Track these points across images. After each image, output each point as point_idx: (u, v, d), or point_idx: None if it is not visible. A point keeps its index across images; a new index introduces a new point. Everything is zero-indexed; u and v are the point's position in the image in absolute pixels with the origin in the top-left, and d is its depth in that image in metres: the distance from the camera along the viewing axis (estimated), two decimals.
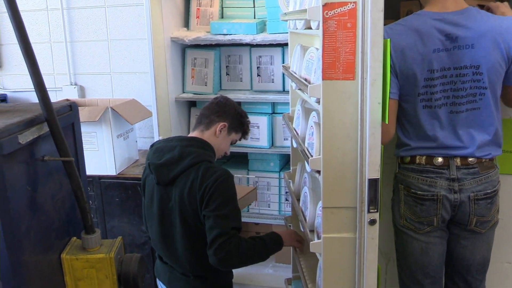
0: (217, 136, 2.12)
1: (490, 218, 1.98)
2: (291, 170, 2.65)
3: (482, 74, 1.85)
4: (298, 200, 2.24)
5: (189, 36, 2.99)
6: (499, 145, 1.98)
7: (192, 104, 3.28)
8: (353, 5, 1.47)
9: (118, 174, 3.04)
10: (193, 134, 2.17)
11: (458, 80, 1.86)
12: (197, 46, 3.11)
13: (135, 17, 3.49)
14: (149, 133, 3.59)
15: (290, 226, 2.66)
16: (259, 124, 2.99)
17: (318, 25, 1.55)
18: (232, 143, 2.25)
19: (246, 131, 2.26)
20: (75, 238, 1.76)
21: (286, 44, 2.65)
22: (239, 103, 3.09)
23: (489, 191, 1.94)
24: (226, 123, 2.13)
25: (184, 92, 3.18)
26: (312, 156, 1.70)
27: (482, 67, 1.84)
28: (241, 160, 3.22)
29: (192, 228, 1.95)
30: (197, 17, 3.12)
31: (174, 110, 3.10)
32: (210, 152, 2.07)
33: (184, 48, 3.18)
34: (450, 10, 1.86)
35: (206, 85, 3.11)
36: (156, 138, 2.88)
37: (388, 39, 1.50)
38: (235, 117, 2.17)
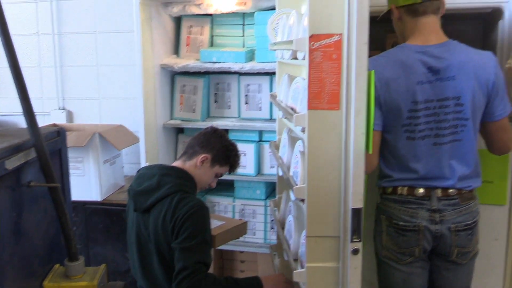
0: (198, 168, 2.11)
1: (470, 249, 1.99)
2: (277, 198, 2.65)
3: (463, 105, 1.89)
4: (283, 228, 2.23)
5: (179, 63, 3.02)
6: (479, 176, 2.02)
7: (180, 131, 3.29)
8: (338, 37, 1.51)
9: (103, 200, 3.02)
10: (175, 163, 2.17)
11: (441, 112, 1.89)
12: (186, 73, 3.14)
13: (126, 43, 3.52)
14: (136, 159, 3.57)
15: (275, 254, 2.65)
16: (246, 151, 3.00)
17: (305, 55, 1.58)
18: (218, 176, 2.22)
19: (233, 164, 2.22)
20: (58, 265, 1.74)
21: (274, 73, 2.69)
22: (226, 131, 3.11)
23: (469, 222, 1.96)
24: (209, 155, 2.11)
25: (172, 119, 3.19)
26: (296, 184, 1.71)
27: (463, 98, 1.88)
28: (227, 187, 3.22)
29: (167, 258, 1.94)
30: (187, 44, 3.16)
31: (161, 137, 3.11)
32: (188, 183, 2.05)
33: (174, 75, 3.20)
34: (432, 43, 1.91)
35: (194, 112, 3.13)
36: (143, 164, 2.87)
37: (373, 71, 1.53)
38: (220, 150, 2.14)
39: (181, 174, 2.06)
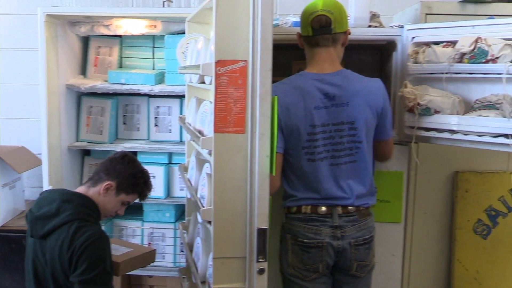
0: (102, 196, 2.03)
1: (368, 262, 2.12)
2: (186, 221, 2.64)
3: (357, 129, 2.03)
4: (192, 251, 2.23)
5: (86, 84, 2.95)
6: (374, 195, 2.17)
7: (86, 153, 3.19)
8: (244, 63, 1.57)
9: (2, 226, 2.84)
10: (79, 189, 2.09)
11: (336, 135, 2.02)
12: (93, 94, 3.07)
13: (30, 62, 3.37)
14: (38, 182, 3.39)
15: (184, 278, 2.63)
16: (155, 174, 2.97)
17: (211, 80, 1.62)
18: (125, 204, 2.15)
19: (141, 193, 2.15)
20: None
21: (184, 96, 2.71)
22: (135, 153, 3.06)
23: (367, 237, 2.08)
24: (114, 182, 2.04)
25: (78, 141, 3.09)
26: (203, 206, 1.73)
27: (357, 123, 2.02)
28: (136, 210, 3.15)
29: None
30: (95, 65, 3.09)
31: (66, 159, 2.99)
32: (90, 211, 1.98)
33: (80, 96, 3.11)
34: (327, 71, 2.05)
35: (101, 134, 3.05)
36: (46, 188, 2.74)
37: (276, 96, 1.60)
38: (126, 178, 2.07)
39: (83, 201, 1.98)
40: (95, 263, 1.80)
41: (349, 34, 2.13)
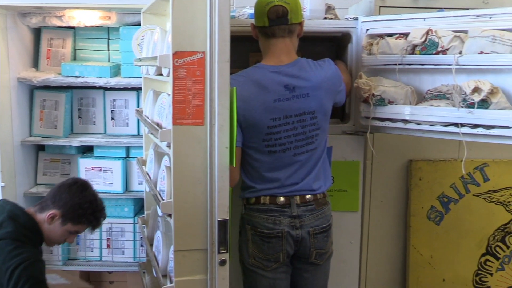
0: (47, 223, 1.96)
1: (326, 250, 2.16)
2: (145, 215, 2.62)
3: (316, 118, 2.06)
4: (152, 245, 2.21)
5: (38, 77, 2.86)
6: (330, 180, 2.23)
7: (40, 148, 3.09)
8: (201, 55, 1.56)
9: None
10: (32, 208, 2.02)
11: (299, 126, 2.04)
12: (47, 87, 2.98)
13: None
14: None
15: (144, 272, 2.61)
16: (112, 168, 2.92)
17: (169, 72, 1.61)
18: (74, 233, 2.05)
19: (90, 223, 2.05)
20: None
21: (141, 88, 2.67)
22: (91, 148, 3.00)
23: (325, 225, 2.13)
24: (58, 212, 1.96)
25: (31, 135, 3.00)
26: (163, 199, 1.72)
27: (317, 112, 2.06)
28: None
29: None
30: (48, 57, 3.00)
31: (19, 154, 2.90)
32: (32, 234, 1.90)
33: (33, 89, 3.02)
34: (284, 63, 2.06)
35: (56, 128, 2.97)
36: None
37: (234, 88, 1.60)
38: (72, 208, 1.98)
39: (28, 223, 1.91)
40: (34, 285, 1.74)
41: (303, 25, 2.14)
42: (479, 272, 2.78)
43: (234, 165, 1.62)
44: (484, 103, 1.98)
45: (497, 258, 2.77)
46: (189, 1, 1.53)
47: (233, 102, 1.60)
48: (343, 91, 2.19)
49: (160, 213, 1.76)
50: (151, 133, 1.95)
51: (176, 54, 1.54)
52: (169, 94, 1.79)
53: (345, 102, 2.31)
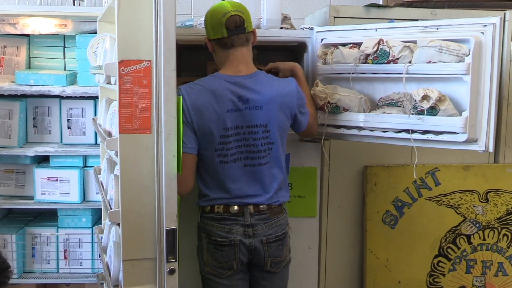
0: None
1: (283, 258, 2.17)
2: (102, 225, 2.58)
3: (269, 131, 2.07)
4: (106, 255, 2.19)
5: None
6: (287, 192, 2.22)
7: None
8: (148, 64, 1.56)
9: None
10: None
11: (250, 137, 2.06)
12: (0, 96, 2.92)
13: None
14: None
15: (102, 283, 2.56)
16: (69, 178, 2.88)
17: (116, 80, 1.60)
18: None
19: None
20: None
21: (98, 97, 2.64)
22: (47, 157, 2.95)
23: (279, 234, 2.13)
24: None
25: None
26: (112, 208, 1.70)
27: (270, 125, 2.07)
28: (50, 217, 3.04)
29: None
30: (1, 65, 2.94)
31: None
32: None
33: None
34: (242, 74, 2.07)
35: (10, 138, 2.90)
36: None
37: (181, 96, 1.62)
38: None
39: None
40: None
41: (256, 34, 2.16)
42: (432, 273, 2.85)
43: (181, 174, 1.62)
44: (433, 110, 2.04)
45: (449, 259, 2.84)
46: (134, 9, 1.53)
47: (179, 110, 1.60)
48: (304, 114, 2.19)
49: (108, 223, 1.74)
50: (102, 142, 1.93)
51: (122, 63, 1.54)
52: None
53: None
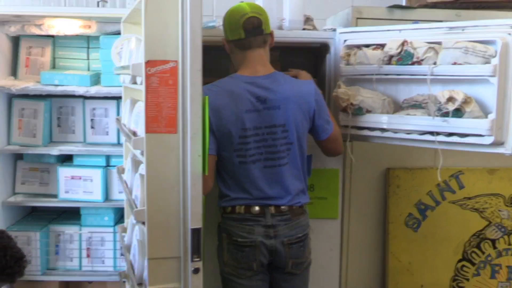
0: None
1: (303, 259, 2.17)
2: (125, 224, 2.61)
3: (288, 131, 2.07)
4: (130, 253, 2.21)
5: (17, 85, 2.85)
6: (306, 194, 2.22)
7: (19, 156, 3.07)
8: (174, 64, 1.58)
9: None
10: None
11: (269, 138, 2.06)
12: (25, 96, 2.96)
13: None
14: None
15: (124, 281, 2.59)
16: (92, 177, 2.91)
17: (142, 80, 1.62)
18: None
19: (4, 281, 1.97)
20: None
21: (121, 97, 2.67)
22: (70, 157, 2.99)
23: (300, 235, 2.13)
24: None
25: (9, 144, 2.98)
26: (137, 207, 1.72)
27: (288, 125, 2.07)
28: (73, 215, 3.08)
29: None
30: (27, 66, 3.00)
31: None
32: None
33: (11, 98, 3.00)
34: (260, 74, 2.08)
35: (34, 137, 2.95)
36: None
37: (207, 97, 1.62)
38: None
39: None
40: None
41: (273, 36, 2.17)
42: (456, 277, 2.81)
43: (207, 173, 1.63)
44: (458, 112, 2.02)
45: (473, 264, 2.80)
46: (161, 11, 1.54)
47: (205, 111, 1.61)
48: (325, 121, 2.17)
49: (133, 221, 1.76)
50: (127, 142, 1.95)
51: (148, 63, 1.55)
52: None
53: None
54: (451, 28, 2.10)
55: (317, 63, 2.78)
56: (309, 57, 2.85)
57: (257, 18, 2.04)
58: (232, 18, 2.06)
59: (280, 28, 2.51)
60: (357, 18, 2.62)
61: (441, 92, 2.05)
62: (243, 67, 2.10)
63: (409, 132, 2.20)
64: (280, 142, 2.07)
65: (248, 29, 2.04)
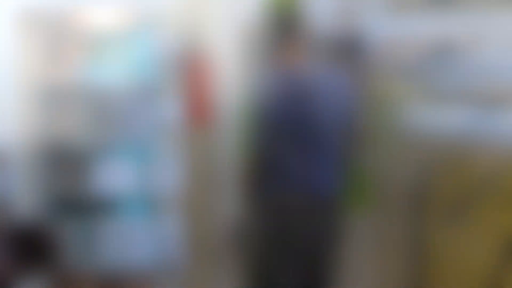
0: None
1: None
2: (162, 217, 2.58)
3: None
4: None
5: None
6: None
7: None
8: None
9: None
10: None
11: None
12: None
13: None
14: None
15: (161, 275, 2.58)
16: (129, 170, 2.90)
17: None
18: None
19: None
20: None
21: None
22: None
23: None
24: None
25: None
26: (174, 201, 1.68)
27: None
28: (110, 208, 3.08)
29: None
30: None
31: None
32: None
33: None
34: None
35: None
36: None
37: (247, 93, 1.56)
38: None
39: None
40: None
41: None
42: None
43: None
44: None
45: None
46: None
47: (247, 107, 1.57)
48: None
49: (170, 215, 1.73)
50: None
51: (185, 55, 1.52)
52: None
53: None
54: None
55: None
56: None
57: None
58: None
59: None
60: None
61: None
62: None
63: None
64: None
65: None
